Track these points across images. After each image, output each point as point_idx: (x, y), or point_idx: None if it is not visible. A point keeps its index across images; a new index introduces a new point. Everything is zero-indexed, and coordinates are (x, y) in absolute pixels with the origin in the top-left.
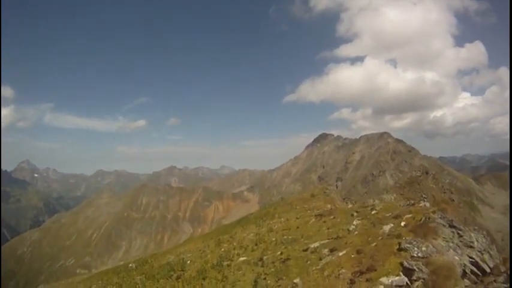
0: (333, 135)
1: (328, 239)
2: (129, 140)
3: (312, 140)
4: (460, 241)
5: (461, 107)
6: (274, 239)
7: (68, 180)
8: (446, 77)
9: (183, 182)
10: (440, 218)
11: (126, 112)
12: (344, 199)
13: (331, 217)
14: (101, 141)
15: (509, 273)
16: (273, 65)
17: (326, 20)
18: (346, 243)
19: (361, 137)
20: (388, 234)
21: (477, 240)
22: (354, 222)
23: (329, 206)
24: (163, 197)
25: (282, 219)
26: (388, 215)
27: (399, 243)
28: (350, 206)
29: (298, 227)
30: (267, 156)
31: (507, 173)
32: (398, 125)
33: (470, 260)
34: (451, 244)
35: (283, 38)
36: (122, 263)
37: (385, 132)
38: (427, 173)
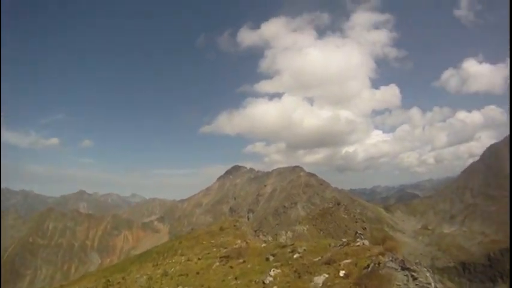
0: (246, 167)
1: None
2: (40, 157)
3: (225, 171)
4: (416, 284)
5: (373, 143)
6: None
7: None
8: (360, 116)
9: (92, 208)
10: (392, 260)
11: (40, 128)
12: (256, 231)
13: (241, 261)
14: (9, 155)
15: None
16: (192, 94)
17: (251, 55)
18: None
19: (273, 170)
20: None
21: (433, 280)
22: (271, 272)
23: (239, 242)
24: (70, 224)
25: (183, 257)
26: (316, 259)
27: None
28: (264, 244)
29: (198, 273)
30: (180, 186)
31: (415, 201)
32: (310, 159)
33: None
34: None
35: (206, 68)
36: None
37: (297, 166)
38: (338, 204)
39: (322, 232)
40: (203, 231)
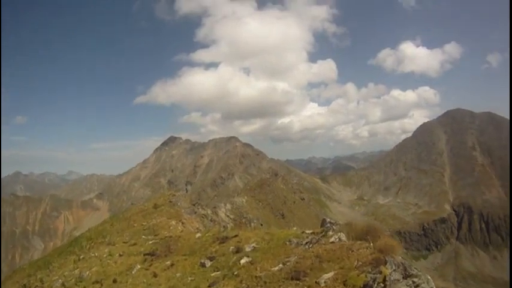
0: (182, 138)
1: None
2: None
3: (161, 143)
4: None
5: (308, 115)
6: None
7: None
8: (296, 87)
9: (29, 190)
10: (394, 270)
11: None
12: (194, 204)
13: (168, 263)
14: None
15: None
16: (127, 63)
17: (187, 23)
18: None
19: (209, 140)
20: None
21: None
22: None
23: (173, 224)
24: (9, 209)
25: (108, 249)
26: (276, 268)
27: None
28: (198, 233)
29: (115, 281)
30: (116, 160)
31: (350, 173)
32: (246, 130)
33: None
34: None
35: (141, 36)
36: None
37: (233, 137)
38: (276, 174)
39: (261, 203)
40: (137, 209)
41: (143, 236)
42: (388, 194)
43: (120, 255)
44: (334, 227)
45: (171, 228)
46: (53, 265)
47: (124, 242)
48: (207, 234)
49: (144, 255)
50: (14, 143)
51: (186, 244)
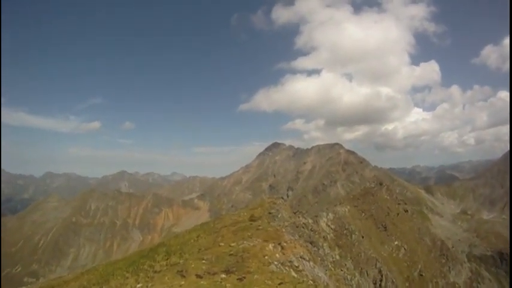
0: (285, 144)
1: None
2: (80, 141)
3: (264, 148)
4: None
5: (412, 121)
6: None
7: (16, 181)
8: (400, 92)
9: (133, 187)
10: None
11: (79, 112)
12: (295, 213)
13: None
14: (51, 141)
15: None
16: (229, 73)
17: (286, 32)
18: None
19: (312, 147)
20: None
21: None
22: None
23: (270, 248)
24: (112, 203)
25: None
26: None
27: None
28: (297, 270)
29: None
30: (219, 164)
31: (455, 184)
32: (349, 136)
33: None
34: None
35: (242, 47)
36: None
37: (337, 143)
38: (380, 184)
39: (363, 214)
40: (230, 220)
41: (222, 275)
42: (493, 209)
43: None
44: None
45: (266, 257)
46: (112, 279)
47: (197, 277)
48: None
49: None
50: (121, 145)
51: None
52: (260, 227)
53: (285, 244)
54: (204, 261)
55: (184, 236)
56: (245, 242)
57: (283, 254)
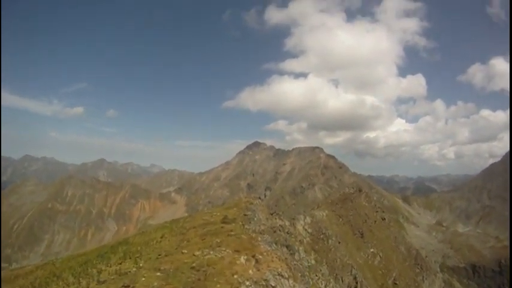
0: (266, 144)
1: None
2: (62, 126)
3: (245, 147)
4: None
5: (394, 131)
6: None
7: None
8: (385, 102)
9: (112, 176)
10: None
11: (63, 96)
12: (272, 214)
13: None
14: (32, 123)
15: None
16: (217, 68)
17: (277, 33)
18: None
19: (293, 149)
20: None
21: None
22: None
23: (241, 261)
24: (89, 191)
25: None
26: None
27: None
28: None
29: None
30: (199, 158)
31: (433, 195)
32: (331, 141)
33: None
34: None
35: (232, 43)
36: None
37: (318, 147)
38: (360, 190)
39: (341, 219)
40: (201, 220)
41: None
42: (469, 223)
43: None
44: None
45: (235, 276)
46: (67, 272)
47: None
48: None
49: None
50: (103, 133)
51: None
52: (232, 233)
53: (260, 257)
54: (158, 273)
55: (150, 233)
56: (212, 252)
57: (258, 270)
